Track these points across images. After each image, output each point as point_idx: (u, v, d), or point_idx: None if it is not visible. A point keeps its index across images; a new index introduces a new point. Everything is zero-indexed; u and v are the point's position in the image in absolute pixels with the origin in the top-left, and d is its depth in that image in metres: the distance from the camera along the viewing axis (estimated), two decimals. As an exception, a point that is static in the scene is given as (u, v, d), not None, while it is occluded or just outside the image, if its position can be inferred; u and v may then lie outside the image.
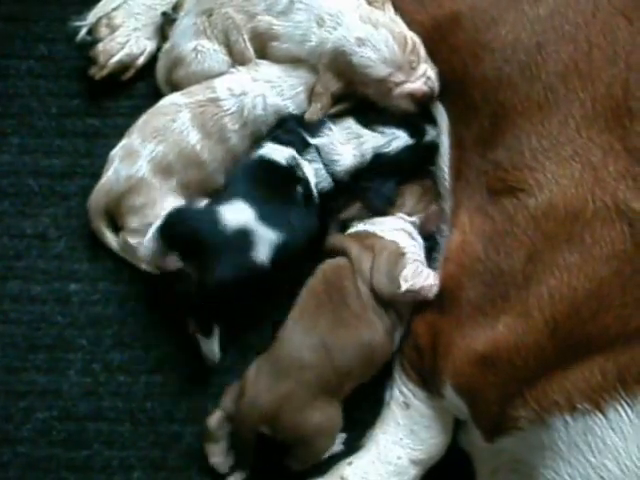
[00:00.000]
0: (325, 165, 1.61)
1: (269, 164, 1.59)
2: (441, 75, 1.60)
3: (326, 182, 1.62)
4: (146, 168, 1.61)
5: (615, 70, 1.39)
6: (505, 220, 1.41)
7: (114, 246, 1.65)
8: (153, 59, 1.82)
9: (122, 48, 1.80)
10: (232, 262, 1.48)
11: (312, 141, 1.61)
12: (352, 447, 1.49)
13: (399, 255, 1.52)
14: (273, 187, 1.57)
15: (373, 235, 1.57)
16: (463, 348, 1.37)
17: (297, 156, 1.60)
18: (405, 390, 1.46)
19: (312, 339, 1.46)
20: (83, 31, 1.84)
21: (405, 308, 1.52)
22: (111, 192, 1.63)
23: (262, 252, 1.50)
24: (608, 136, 1.36)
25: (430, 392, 1.45)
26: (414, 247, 1.57)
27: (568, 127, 1.39)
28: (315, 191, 1.60)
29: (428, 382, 1.45)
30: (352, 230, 1.62)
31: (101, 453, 1.54)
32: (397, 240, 1.56)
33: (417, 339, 1.47)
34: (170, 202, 1.60)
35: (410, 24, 1.62)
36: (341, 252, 1.57)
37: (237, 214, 1.51)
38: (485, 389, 1.33)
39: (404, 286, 1.46)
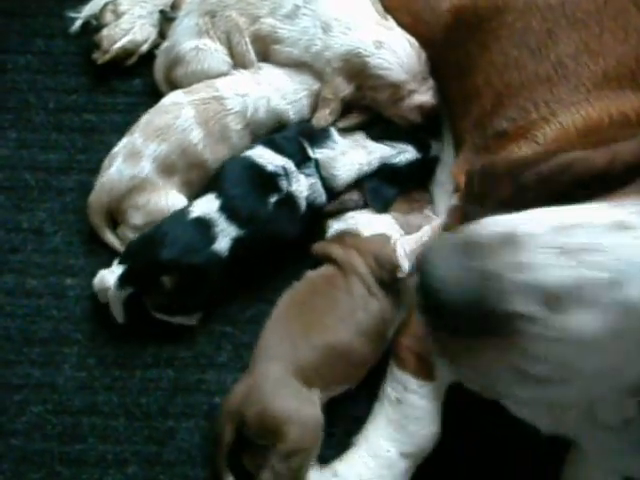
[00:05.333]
0: (324, 179, 1.63)
1: (254, 167, 1.61)
2: (443, 71, 1.62)
3: (321, 197, 1.64)
4: (149, 168, 1.62)
5: (627, 47, 1.39)
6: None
7: (113, 243, 1.66)
8: (151, 57, 1.83)
9: (126, 34, 1.82)
10: (184, 245, 1.53)
11: (313, 154, 1.63)
12: (346, 444, 1.50)
13: (384, 242, 1.55)
14: (251, 188, 1.59)
15: (353, 234, 1.60)
16: None
17: (293, 168, 1.61)
18: (397, 384, 1.46)
19: (283, 339, 1.49)
20: (78, 23, 1.87)
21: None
22: (113, 191, 1.63)
23: (220, 243, 1.55)
24: (623, 91, 1.35)
25: (427, 376, 1.45)
26: (393, 228, 1.61)
27: (578, 92, 1.38)
28: (304, 204, 1.61)
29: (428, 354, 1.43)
30: (331, 232, 1.64)
31: (95, 447, 1.54)
32: (376, 230, 1.59)
33: None
34: (173, 199, 1.62)
35: (416, 24, 1.64)
36: (326, 259, 1.59)
37: (203, 205, 1.57)
38: None
39: (405, 266, 1.49)
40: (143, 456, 1.54)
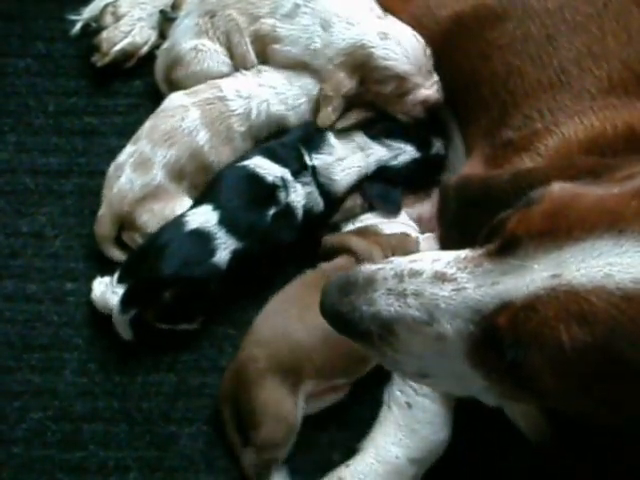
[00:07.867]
0: (321, 185, 1.61)
1: (253, 177, 1.58)
2: (449, 80, 1.60)
3: (318, 206, 1.61)
4: (161, 175, 1.60)
5: (630, 50, 1.36)
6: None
7: (116, 257, 1.63)
8: (151, 58, 1.82)
9: (125, 37, 1.81)
10: (183, 258, 1.51)
11: (311, 161, 1.60)
12: (351, 450, 1.47)
13: (406, 240, 1.54)
14: (249, 200, 1.57)
15: (374, 230, 1.58)
16: None
17: (290, 178, 1.59)
18: (407, 388, 1.44)
19: (276, 320, 1.48)
20: (78, 26, 1.86)
21: None
22: (126, 200, 1.60)
23: (220, 255, 1.53)
24: (629, 98, 1.32)
25: None
26: (411, 227, 1.60)
27: (583, 99, 1.35)
28: (300, 213, 1.59)
29: None
30: (349, 228, 1.62)
31: (97, 454, 1.52)
32: (395, 229, 1.57)
33: None
34: (185, 203, 1.60)
35: (417, 29, 1.62)
36: (342, 250, 1.56)
37: (200, 217, 1.54)
38: None
39: None
40: (145, 462, 1.52)
